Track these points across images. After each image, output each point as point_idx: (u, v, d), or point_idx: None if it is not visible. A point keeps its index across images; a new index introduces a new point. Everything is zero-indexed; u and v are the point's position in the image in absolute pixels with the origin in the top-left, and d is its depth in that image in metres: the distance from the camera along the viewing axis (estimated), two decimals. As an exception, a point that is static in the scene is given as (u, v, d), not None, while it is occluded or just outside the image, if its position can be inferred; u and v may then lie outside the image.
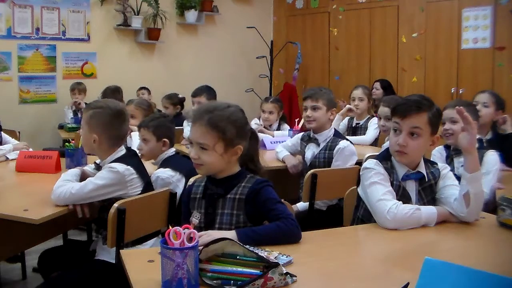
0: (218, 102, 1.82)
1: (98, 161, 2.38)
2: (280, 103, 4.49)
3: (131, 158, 2.31)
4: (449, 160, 2.64)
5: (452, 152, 2.67)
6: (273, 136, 4.11)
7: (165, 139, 2.73)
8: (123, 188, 2.19)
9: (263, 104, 4.46)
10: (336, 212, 2.92)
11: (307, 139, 3.21)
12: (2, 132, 3.46)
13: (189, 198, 1.86)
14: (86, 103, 4.61)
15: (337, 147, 3.02)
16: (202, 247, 1.39)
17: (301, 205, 2.94)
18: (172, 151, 2.77)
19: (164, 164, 2.67)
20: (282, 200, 1.79)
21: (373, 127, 4.19)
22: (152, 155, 2.77)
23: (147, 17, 6.22)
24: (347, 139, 3.16)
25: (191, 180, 2.35)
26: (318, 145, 3.10)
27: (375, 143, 4.14)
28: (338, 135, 3.15)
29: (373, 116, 4.33)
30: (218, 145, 1.72)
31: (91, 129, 2.26)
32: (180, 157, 2.92)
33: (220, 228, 1.74)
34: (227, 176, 1.79)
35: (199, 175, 2.38)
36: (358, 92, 4.40)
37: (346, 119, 4.45)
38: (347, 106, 4.35)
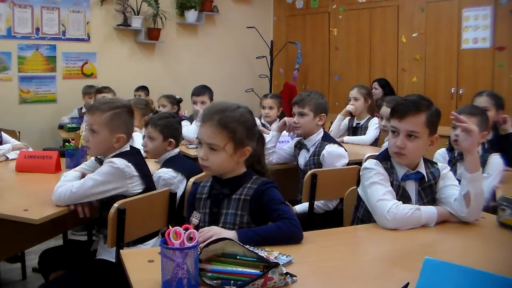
0: (228, 103, 1.81)
1: (100, 156, 2.37)
2: (279, 98, 4.53)
3: (133, 155, 2.28)
4: (451, 164, 2.62)
5: (458, 157, 2.64)
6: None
7: (171, 139, 2.72)
8: (123, 185, 2.18)
9: (263, 100, 4.50)
10: (334, 215, 2.92)
11: (299, 146, 3.19)
12: (1, 132, 3.46)
13: (195, 198, 1.86)
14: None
15: (322, 153, 2.99)
16: (202, 245, 1.39)
17: (299, 208, 2.92)
18: (175, 151, 2.77)
19: (167, 164, 2.67)
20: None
21: (373, 127, 4.20)
22: (156, 153, 2.76)
23: (147, 17, 6.22)
24: (335, 141, 3.13)
25: (191, 180, 2.35)
26: (308, 150, 3.09)
27: (375, 143, 4.14)
28: (326, 139, 3.08)
29: (373, 116, 4.34)
30: (228, 146, 1.72)
31: (113, 129, 2.22)
32: (183, 158, 2.91)
33: (223, 228, 1.73)
34: (233, 176, 1.79)
35: (199, 176, 2.39)
36: (353, 92, 4.44)
37: (347, 119, 4.47)
38: (347, 107, 4.37)
